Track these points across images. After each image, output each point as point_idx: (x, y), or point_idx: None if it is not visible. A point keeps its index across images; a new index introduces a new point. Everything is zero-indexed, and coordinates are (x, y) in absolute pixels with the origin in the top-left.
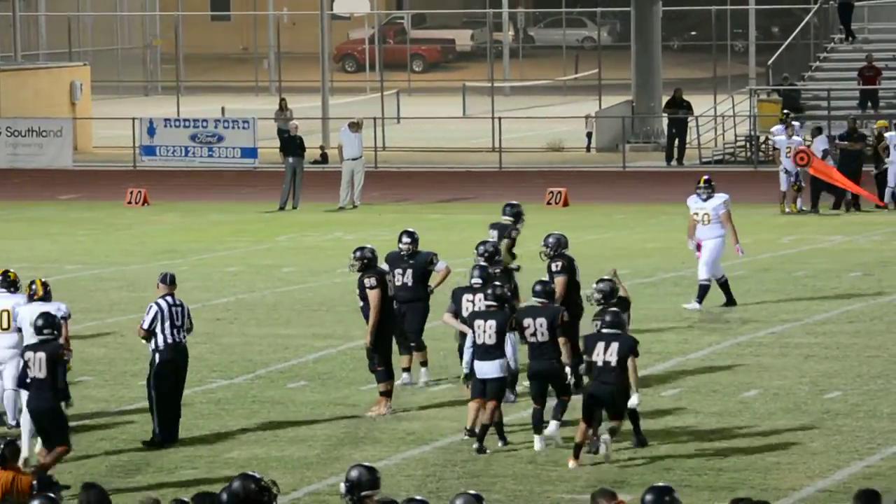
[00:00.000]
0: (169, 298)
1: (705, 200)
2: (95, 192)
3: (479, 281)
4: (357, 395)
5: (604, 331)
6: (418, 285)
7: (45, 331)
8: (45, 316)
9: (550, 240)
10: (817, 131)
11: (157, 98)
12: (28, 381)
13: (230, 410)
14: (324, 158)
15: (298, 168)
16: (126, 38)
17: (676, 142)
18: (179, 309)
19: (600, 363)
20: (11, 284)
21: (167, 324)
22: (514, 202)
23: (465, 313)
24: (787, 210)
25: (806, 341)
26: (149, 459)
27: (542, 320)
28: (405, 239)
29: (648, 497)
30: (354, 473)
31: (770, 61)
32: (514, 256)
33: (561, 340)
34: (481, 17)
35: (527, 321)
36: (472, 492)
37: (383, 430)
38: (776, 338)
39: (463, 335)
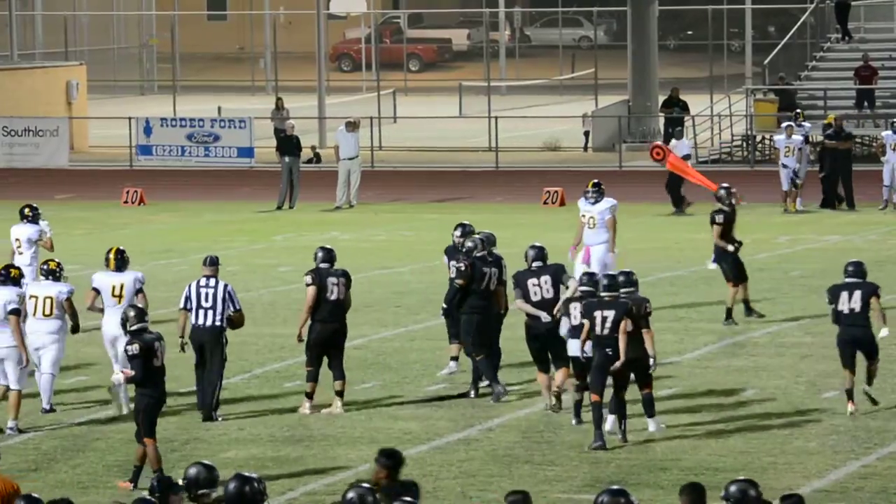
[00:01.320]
0: (202, 280)
1: (593, 204)
2: (92, 192)
3: (539, 263)
4: (353, 395)
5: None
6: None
7: (140, 323)
8: (137, 310)
9: (477, 238)
10: (679, 134)
11: (154, 97)
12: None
13: (227, 410)
14: (317, 158)
15: (295, 167)
16: (122, 37)
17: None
18: (211, 290)
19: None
20: (51, 273)
21: (193, 304)
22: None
23: (533, 297)
24: (789, 209)
25: (802, 341)
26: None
27: (610, 313)
28: (458, 231)
29: (603, 498)
30: (192, 471)
31: (766, 61)
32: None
33: (645, 332)
34: (478, 16)
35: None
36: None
37: (379, 429)
38: (772, 337)
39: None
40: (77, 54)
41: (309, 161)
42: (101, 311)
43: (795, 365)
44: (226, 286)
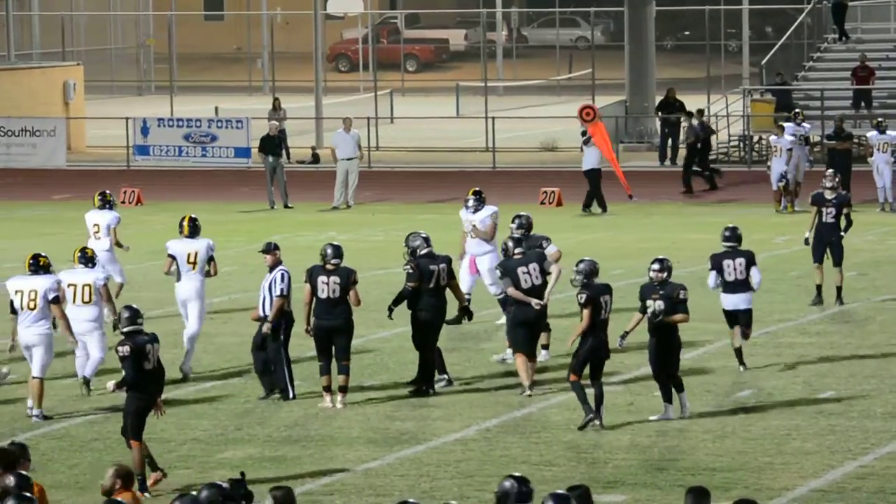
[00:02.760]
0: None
1: (474, 213)
2: (89, 192)
3: (522, 250)
4: (351, 395)
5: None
6: None
7: (133, 325)
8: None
9: (420, 236)
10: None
11: (151, 98)
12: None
13: (224, 410)
14: (315, 159)
15: (278, 167)
16: (119, 37)
17: (670, 141)
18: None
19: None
20: (90, 260)
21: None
22: (523, 213)
23: (524, 285)
24: (780, 209)
25: (799, 341)
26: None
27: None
28: (515, 223)
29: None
30: (204, 494)
31: (764, 61)
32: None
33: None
34: (475, 16)
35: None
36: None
37: (377, 430)
38: (770, 338)
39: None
40: (74, 54)
41: (301, 162)
42: (178, 276)
43: (792, 365)
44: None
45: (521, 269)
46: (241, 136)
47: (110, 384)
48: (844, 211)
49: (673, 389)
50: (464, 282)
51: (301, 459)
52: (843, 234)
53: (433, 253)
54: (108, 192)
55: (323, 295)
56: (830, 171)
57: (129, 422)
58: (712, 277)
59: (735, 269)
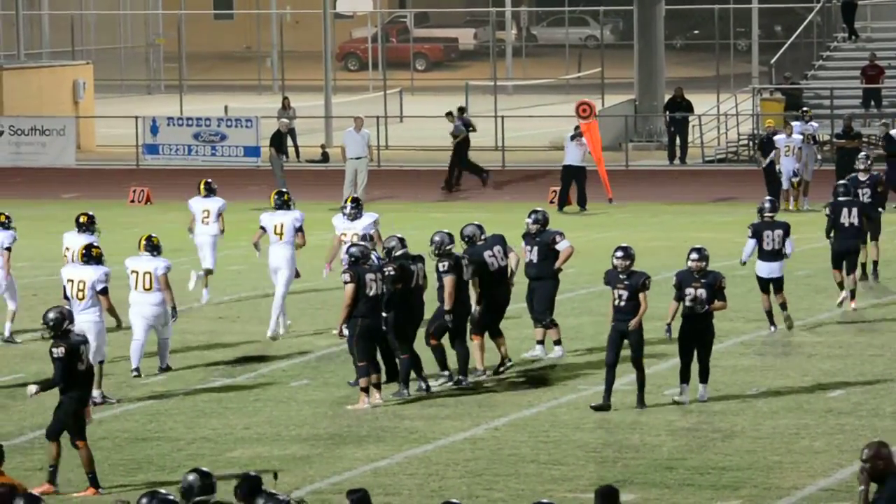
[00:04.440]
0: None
1: (353, 220)
2: (98, 191)
3: (485, 235)
4: (359, 394)
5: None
6: (542, 262)
7: (65, 326)
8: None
9: (436, 238)
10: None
11: (160, 97)
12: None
13: (233, 409)
14: (325, 157)
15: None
16: (129, 36)
17: (678, 140)
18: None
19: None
20: (154, 248)
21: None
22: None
23: (490, 268)
24: (790, 207)
25: (809, 340)
26: (151, 458)
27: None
28: (531, 218)
29: None
30: (190, 478)
31: (773, 60)
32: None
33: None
34: (484, 15)
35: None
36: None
37: (385, 428)
38: (779, 336)
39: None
40: (84, 53)
41: (310, 161)
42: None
43: (802, 364)
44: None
45: (487, 254)
46: (251, 135)
47: (32, 388)
48: (879, 189)
49: (698, 377)
50: None
51: (310, 458)
52: (881, 209)
53: (409, 254)
54: (210, 180)
55: (371, 293)
56: (863, 154)
57: (69, 423)
58: (750, 245)
59: (774, 239)
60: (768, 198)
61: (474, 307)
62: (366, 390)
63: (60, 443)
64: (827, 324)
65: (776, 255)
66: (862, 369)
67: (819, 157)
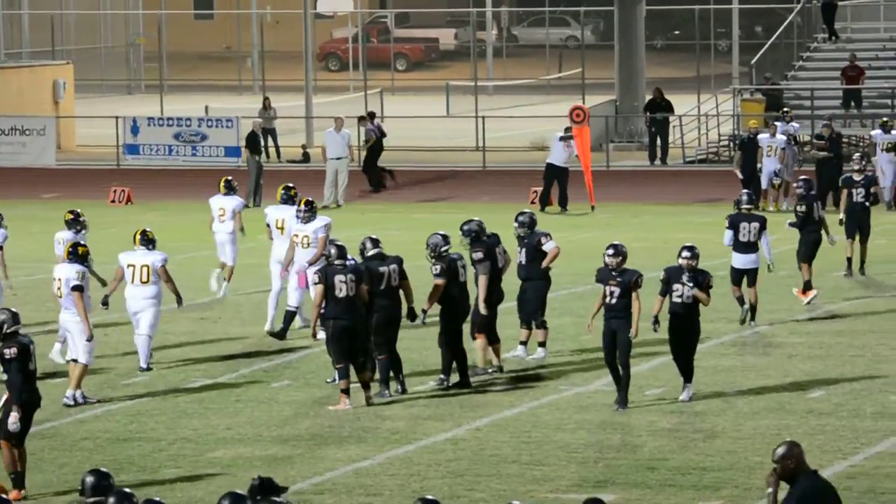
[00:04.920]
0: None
1: (306, 223)
2: (78, 191)
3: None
4: (340, 395)
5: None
6: (530, 264)
7: (15, 326)
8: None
9: (431, 241)
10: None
11: (141, 97)
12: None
13: (214, 409)
14: (305, 158)
15: (258, 165)
16: (109, 36)
17: (659, 141)
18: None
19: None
20: (150, 242)
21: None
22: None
23: (461, 278)
24: (770, 208)
25: (789, 341)
26: (132, 458)
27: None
28: (518, 220)
29: None
30: (88, 479)
31: (753, 61)
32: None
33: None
34: (465, 16)
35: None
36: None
37: (367, 429)
38: (760, 337)
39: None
40: (64, 53)
41: (291, 161)
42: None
43: (783, 365)
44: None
45: (460, 263)
46: (231, 135)
47: (14, 424)
48: (872, 189)
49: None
50: (291, 296)
51: (291, 459)
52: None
53: (383, 254)
54: (231, 178)
55: (341, 294)
56: (857, 154)
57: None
58: (729, 236)
59: (750, 231)
60: (745, 191)
61: (482, 307)
62: (346, 391)
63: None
64: (807, 324)
65: (751, 246)
66: (843, 370)
67: (800, 157)
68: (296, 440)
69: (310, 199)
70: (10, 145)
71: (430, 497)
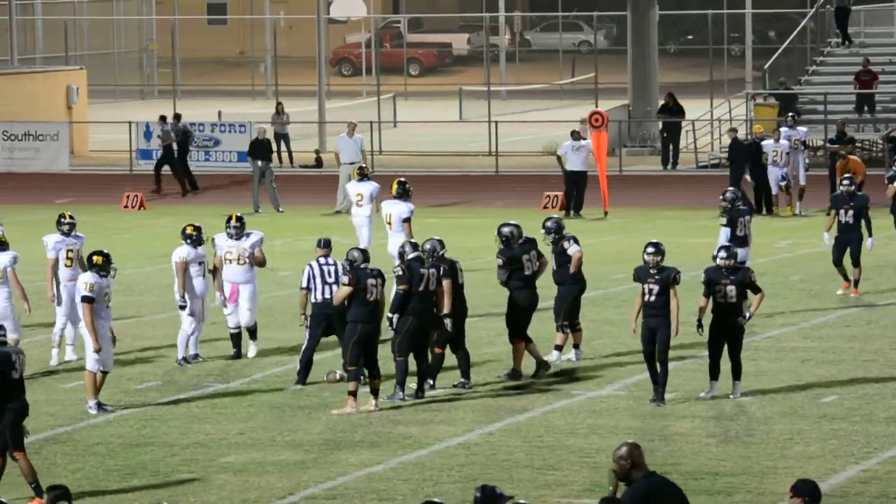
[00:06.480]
0: (321, 259)
1: (238, 239)
2: (92, 197)
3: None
4: (346, 398)
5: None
6: (560, 269)
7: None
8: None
9: (427, 246)
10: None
11: (154, 102)
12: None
13: (227, 414)
14: (318, 163)
15: (267, 171)
16: (122, 42)
17: (671, 146)
18: (332, 268)
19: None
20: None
21: (318, 281)
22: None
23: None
24: (780, 213)
25: (802, 345)
26: (145, 463)
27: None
28: (543, 227)
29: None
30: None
31: (767, 65)
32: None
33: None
34: (478, 21)
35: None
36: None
37: (379, 434)
38: (773, 342)
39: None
40: (77, 59)
41: (304, 166)
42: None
43: (795, 369)
44: (339, 262)
45: (524, 257)
46: (244, 140)
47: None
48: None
49: (731, 374)
50: (231, 319)
51: (304, 463)
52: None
53: (429, 256)
54: (364, 165)
55: (371, 297)
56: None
57: (8, 434)
58: (726, 233)
59: (745, 225)
60: (731, 188)
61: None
62: (353, 393)
63: (19, 456)
64: (820, 329)
65: (745, 241)
66: (855, 375)
67: (807, 161)
68: (308, 445)
69: (240, 214)
70: (23, 150)
71: (436, 500)
